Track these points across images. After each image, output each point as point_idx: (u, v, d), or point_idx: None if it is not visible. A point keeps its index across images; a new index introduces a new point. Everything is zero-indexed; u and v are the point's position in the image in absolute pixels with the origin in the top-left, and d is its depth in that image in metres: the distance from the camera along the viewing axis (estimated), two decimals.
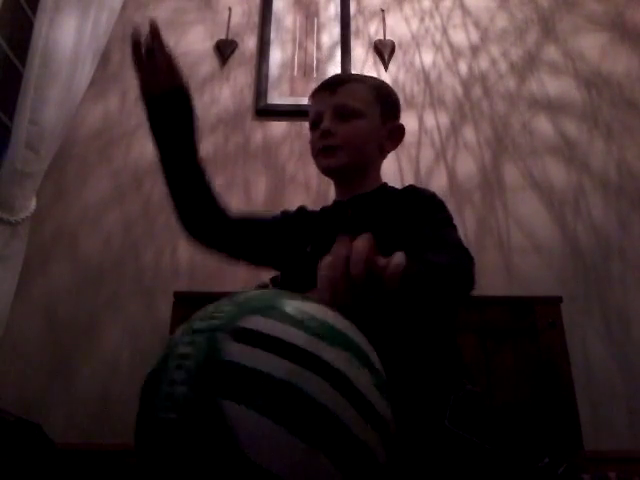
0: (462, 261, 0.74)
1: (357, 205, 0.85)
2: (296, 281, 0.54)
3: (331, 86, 0.88)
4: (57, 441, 1.22)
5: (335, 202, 0.91)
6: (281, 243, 0.90)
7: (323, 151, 0.85)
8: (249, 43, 2.00)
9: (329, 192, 1.76)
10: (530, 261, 1.67)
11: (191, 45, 1.98)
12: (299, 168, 1.81)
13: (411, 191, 0.86)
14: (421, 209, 0.80)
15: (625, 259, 1.68)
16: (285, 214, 0.96)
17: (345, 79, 0.92)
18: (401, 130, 0.92)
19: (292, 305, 0.45)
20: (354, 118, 0.85)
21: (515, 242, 1.71)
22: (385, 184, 0.91)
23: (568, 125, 1.88)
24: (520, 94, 1.93)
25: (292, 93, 1.91)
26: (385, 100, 0.91)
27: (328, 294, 0.50)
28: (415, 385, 0.66)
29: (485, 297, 1.51)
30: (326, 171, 0.89)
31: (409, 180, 1.79)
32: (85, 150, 1.81)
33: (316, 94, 0.91)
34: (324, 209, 0.94)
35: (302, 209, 0.98)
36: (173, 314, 1.37)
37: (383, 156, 0.92)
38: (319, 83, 0.92)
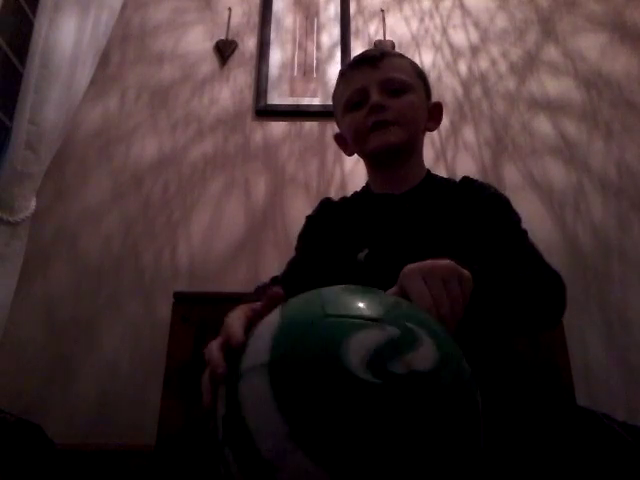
0: (555, 280, 0.69)
1: (412, 200, 0.78)
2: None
3: (372, 60, 0.81)
4: (57, 441, 1.22)
5: (385, 195, 0.83)
6: (329, 251, 0.81)
7: (375, 128, 0.77)
8: (249, 43, 2.00)
9: (329, 192, 1.76)
10: None
11: (191, 45, 1.99)
12: (299, 168, 1.81)
13: (473, 186, 0.80)
14: (490, 210, 0.74)
15: (625, 259, 1.68)
16: (314, 223, 0.87)
17: (385, 53, 0.83)
18: (440, 108, 0.88)
19: None
20: (404, 93, 0.79)
21: None
22: (429, 171, 0.86)
23: (568, 125, 1.88)
24: (520, 94, 1.93)
25: (292, 93, 1.91)
26: (424, 77, 0.87)
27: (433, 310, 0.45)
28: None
29: None
30: (380, 149, 0.80)
31: None
32: (85, 150, 1.81)
33: (352, 71, 0.82)
34: (367, 202, 0.85)
35: (328, 205, 0.89)
36: (173, 314, 1.37)
37: (424, 135, 0.87)
38: (353, 59, 0.84)
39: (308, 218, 0.91)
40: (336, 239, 0.82)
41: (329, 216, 0.88)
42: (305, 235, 0.89)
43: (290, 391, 0.37)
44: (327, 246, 0.82)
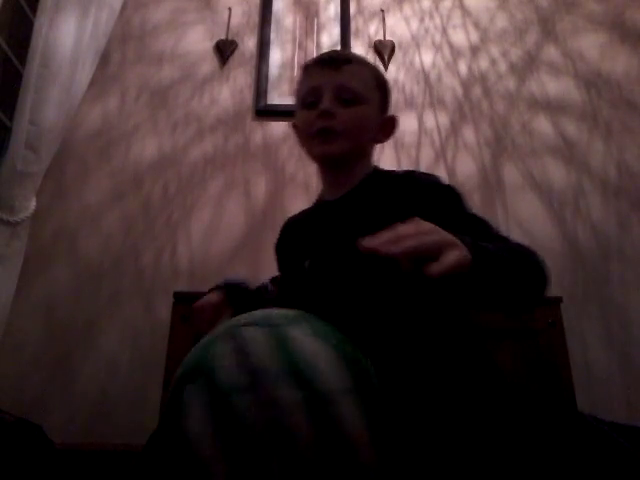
0: (536, 255, 0.67)
1: (347, 204, 0.79)
2: (297, 298, 0.50)
3: (335, 62, 0.80)
4: (57, 441, 1.22)
5: (322, 203, 0.85)
6: (286, 264, 0.86)
7: (320, 134, 0.78)
8: (249, 43, 2.00)
9: None
10: None
11: (191, 45, 1.98)
12: (299, 168, 1.81)
13: (415, 178, 0.78)
14: (438, 201, 0.71)
15: (625, 259, 1.68)
16: (278, 251, 0.92)
17: (350, 58, 0.82)
18: (394, 122, 0.87)
19: None
20: (356, 103, 0.78)
21: None
22: (376, 168, 0.85)
23: (568, 125, 1.88)
24: (520, 94, 1.93)
25: (292, 93, 1.91)
26: (384, 89, 0.85)
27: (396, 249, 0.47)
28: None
29: None
30: (321, 158, 0.82)
31: None
32: (85, 150, 1.81)
33: (314, 68, 0.82)
34: (311, 213, 0.88)
35: (287, 225, 0.93)
36: (173, 314, 1.37)
37: (373, 146, 0.86)
38: (318, 57, 0.83)
39: (274, 246, 0.93)
40: (290, 252, 0.85)
41: (289, 234, 0.91)
42: (277, 261, 0.93)
43: None
44: (286, 260, 0.86)
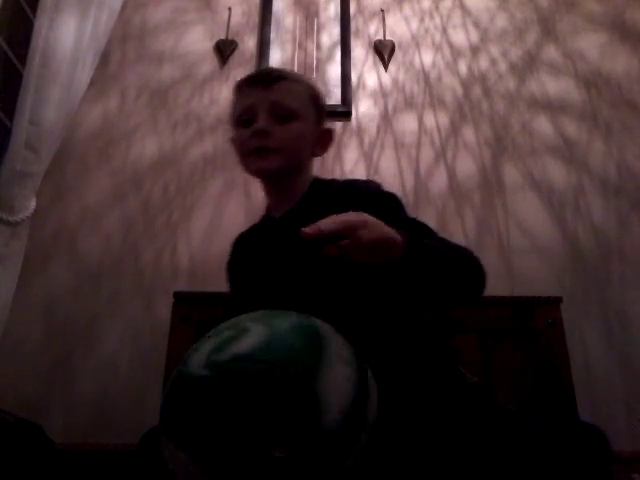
0: (474, 256, 0.69)
1: (291, 221, 0.79)
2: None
3: (266, 81, 0.80)
4: (57, 441, 1.22)
5: (268, 219, 0.87)
6: (240, 284, 0.87)
7: (256, 152, 0.79)
8: (249, 43, 2.00)
9: None
10: (530, 261, 1.67)
11: (191, 45, 1.98)
12: None
13: (356, 187, 0.79)
14: (384, 210, 0.70)
15: (625, 259, 1.68)
16: (229, 270, 0.92)
17: (282, 75, 0.83)
18: (330, 135, 0.88)
19: None
20: (291, 120, 0.79)
21: (515, 242, 1.71)
22: (316, 179, 0.86)
23: (568, 125, 1.88)
24: (520, 94, 1.93)
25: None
26: (318, 103, 0.86)
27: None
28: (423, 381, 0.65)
29: (485, 297, 1.51)
30: (258, 174, 0.83)
31: (409, 181, 1.79)
32: (85, 150, 1.81)
33: (246, 87, 0.83)
34: (259, 231, 0.89)
35: (237, 243, 0.93)
36: (173, 314, 1.37)
37: (312, 160, 0.87)
38: (251, 74, 0.84)
39: (226, 265, 0.94)
40: (242, 271, 0.87)
41: (240, 253, 0.92)
42: (228, 281, 0.93)
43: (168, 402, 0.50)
44: (238, 282, 0.88)
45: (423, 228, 0.72)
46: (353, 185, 0.80)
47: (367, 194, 0.76)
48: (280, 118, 0.79)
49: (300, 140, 0.81)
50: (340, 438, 0.46)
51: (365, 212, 0.66)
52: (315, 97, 0.85)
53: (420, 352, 0.69)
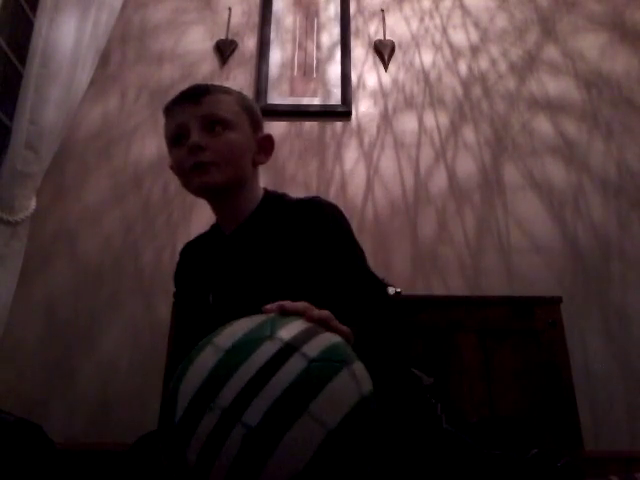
0: (370, 301, 0.71)
1: (241, 238, 0.80)
2: (205, 332, 0.53)
3: (194, 97, 0.79)
4: (57, 441, 1.22)
5: (218, 234, 0.85)
6: (188, 296, 0.86)
7: (195, 169, 0.76)
8: (249, 43, 2.00)
9: (329, 192, 1.76)
10: (530, 261, 1.67)
11: (191, 45, 1.98)
12: (299, 168, 1.81)
13: (302, 207, 0.80)
14: (315, 236, 0.74)
15: (625, 259, 1.68)
16: (178, 279, 0.91)
17: (208, 89, 0.81)
18: (271, 140, 0.87)
19: None
20: (224, 130, 0.78)
21: (515, 242, 1.71)
22: (266, 194, 0.85)
23: (568, 125, 1.88)
24: (520, 94, 1.93)
25: (292, 93, 1.91)
26: (251, 111, 0.85)
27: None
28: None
29: (485, 297, 1.52)
30: (200, 190, 0.80)
31: (409, 181, 1.79)
32: (85, 150, 1.81)
33: (175, 106, 0.81)
34: (209, 244, 0.87)
35: (185, 253, 0.92)
36: (173, 314, 1.37)
37: (256, 169, 0.85)
38: (178, 94, 0.82)
39: (174, 274, 0.93)
40: (192, 285, 0.86)
41: (189, 264, 0.91)
42: (176, 290, 0.93)
43: None
44: (187, 292, 0.87)
45: (341, 259, 0.73)
46: (301, 207, 0.80)
47: (310, 222, 0.77)
48: (213, 130, 0.77)
49: (237, 149, 0.79)
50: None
51: (307, 236, 0.73)
52: (246, 105, 0.84)
53: (369, 354, 0.70)
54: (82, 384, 1.51)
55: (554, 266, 1.67)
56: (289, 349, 0.47)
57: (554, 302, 1.36)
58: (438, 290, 1.63)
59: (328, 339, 0.51)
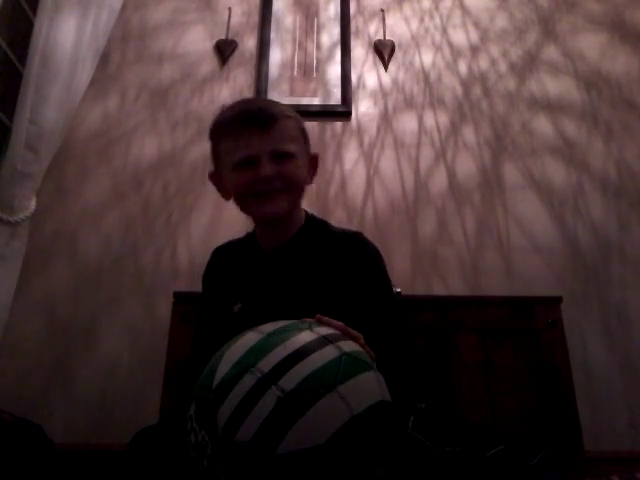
0: (398, 336, 0.77)
1: (281, 257, 0.84)
2: (226, 339, 0.56)
3: (261, 124, 0.80)
4: (57, 441, 1.22)
5: (255, 248, 0.88)
6: (214, 302, 0.88)
7: (257, 196, 0.80)
8: (249, 43, 2.00)
9: (329, 192, 1.76)
10: (530, 261, 1.67)
11: (191, 45, 1.98)
12: None
13: (344, 242, 0.83)
14: (354, 271, 0.79)
15: (625, 259, 1.68)
16: (207, 281, 0.94)
17: (275, 116, 0.82)
18: (317, 160, 0.91)
19: None
20: (290, 159, 0.81)
21: (515, 242, 1.71)
22: (307, 217, 0.89)
23: (568, 125, 1.88)
24: (520, 94, 1.93)
25: (292, 93, 1.91)
26: (305, 132, 0.88)
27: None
28: None
29: (485, 297, 1.52)
30: (266, 219, 0.84)
31: (409, 181, 1.79)
32: (85, 150, 1.81)
33: (241, 130, 0.81)
34: (246, 256, 0.90)
35: (217, 258, 0.94)
36: (173, 314, 1.37)
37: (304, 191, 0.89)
38: (241, 113, 0.82)
39: (202, 276, 0.96)
40: (219, 290, 0.88)
41: (220, 271, 0.93)
42: (203, 290, 0.96)
43: None
44: (214, 296, 0.89)
45: (374, 305, 0.78)
46: (346, 240, 0.84)
47: (353, 256, 0.81)
48: (279, 159, 0.81)
49: (301, 176, 0.84)
50: None
51: (345, 271, 0.79)
52: (302, 126, 0.88)
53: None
54: (82, 384, 1.51)
55: (554, 266, 1.67)
56: (326, 340, 0.52)
57: (554, 302, 1.36)
58: (438, 290, 1.63)
59: (359, 346, 0.55)
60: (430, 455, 0.60)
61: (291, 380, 0.46)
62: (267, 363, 0.48)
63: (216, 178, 0.89)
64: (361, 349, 0.55)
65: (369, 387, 0.50)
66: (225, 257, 0.94)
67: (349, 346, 0.53)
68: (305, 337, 0.51)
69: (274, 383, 0.46)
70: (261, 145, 0.80)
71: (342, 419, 0.46)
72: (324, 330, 0.54)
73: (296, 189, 0.83)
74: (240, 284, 0.85)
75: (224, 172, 0.85)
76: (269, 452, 0.44)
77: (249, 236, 0.94)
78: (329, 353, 0.50)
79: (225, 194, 0.88)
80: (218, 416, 0.47)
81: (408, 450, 0.61)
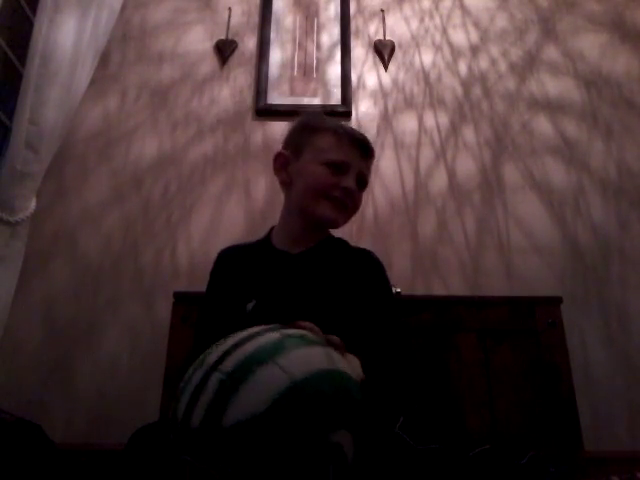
0: (397, 365, 0.80)
1: (305, 262, 0.88)
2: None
3: (367, 151, 0.93)
4: (57, 441, 1.22)
5: (282, 253, 0.91)
6: (224, 299, 0.89)
7: (333, 200, 0.87)
8: (249, 43, 2.00)
9: None
10: (530, 261, 1.67)
11: (191, 45, 1.99)
12: None
13: (362, 259, 0.90)
14: (367, 289, 0.85)
15: (625, 259, 1.68)
16: (216, 278, 0.96)
17: (373, 152, 0.96)
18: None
19: None
20: (363, 189, 0.92)
21: (515, 242, 1.71)
22: (328, 234, 0.95)
23: (568, 125, 1.88)
24: (520, 94, 1.93)
25: (292, 93, 1.91)
26: None
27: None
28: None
29: (485, 297, 1.52)
30: (322, 220, 0.90)
31: (409, 181, 1.79)
32: (85, 150, 1.81)
33: (351, 144, 0.90)
34: (265, 255, 0.93)
35: (226, 257, 0.97)
36: (173, 314, 1.37)
37: None
38: (351, 131, 0.93)
39: (210, 273, 0.98)
40: (230, 288, 0.90)
41: (227, 266, 0.96)
42: (208, 289, 0.97)
43: None
44: (223, 294, 0.91)
45: (381, 323, 0.83)
46: (362, 256, 0.91)
47: (368, 271, 0.88)
48: (359, 184, 0.91)
49: (359, 207, 0.94)
50: None
51: (358, 284, 0.85)
52: None
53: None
54: (82, 384, 1.51)
55: (554, 266, 1.67)
56: (274, 329, 0.55)
57: (554, 302, 1.36)
58: (438, 290, 1.63)
59: (307, 332, 0.57)
60: (412, 453, 0.61)
61: (231, 362, 0.50)
62: (214, 356, 0.52)
63: (284, 160, 0.93)
64: (308, 332, 0.57)
65: (313, 358, 0.52)
66: (235, 257, 0.96)
67: (296, 331, 0.56)
68: (257, 330, 0.55)
69: (216, 369, 0.50)
70: (359, 163, 0.90)
71: (282, 385, 0.47)
72: (291, 331, 0.56)
73: (352, 214, 0.93)
74: (255, 283, 0.87)
75: (307, 162, 0.90)
76: (216, 428, 0.46)
77: (262, 240, 0.98)
78: (271, 336, 0.53)
79: (285, 176, 0.93)
80: (177, 412, 0.50)
81: (391, 448, 0.62)
